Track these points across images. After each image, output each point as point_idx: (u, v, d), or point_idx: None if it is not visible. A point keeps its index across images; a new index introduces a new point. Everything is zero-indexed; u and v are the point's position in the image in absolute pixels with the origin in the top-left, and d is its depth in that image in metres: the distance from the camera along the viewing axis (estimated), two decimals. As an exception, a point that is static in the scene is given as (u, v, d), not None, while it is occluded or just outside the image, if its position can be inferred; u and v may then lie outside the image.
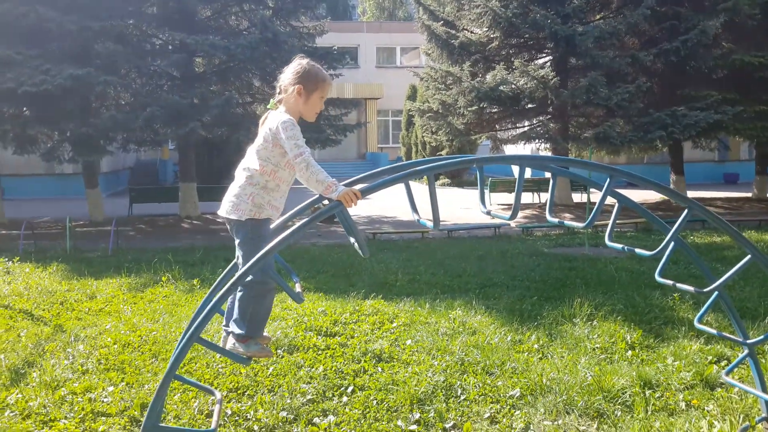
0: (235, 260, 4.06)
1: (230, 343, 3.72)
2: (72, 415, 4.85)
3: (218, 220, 18.89)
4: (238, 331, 3.65)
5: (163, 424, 4.01)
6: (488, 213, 4.11)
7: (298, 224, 3.46)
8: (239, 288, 3.54)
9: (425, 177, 3.63)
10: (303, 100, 3.61)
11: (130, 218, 19.49)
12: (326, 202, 3.55)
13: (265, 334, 3.87)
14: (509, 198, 21.21)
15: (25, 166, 24.26)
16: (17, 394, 5.20)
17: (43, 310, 7.99)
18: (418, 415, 4.87)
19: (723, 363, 5.74)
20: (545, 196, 21.81)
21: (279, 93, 3.69)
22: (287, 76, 3.66)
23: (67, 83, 14.53)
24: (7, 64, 14.60)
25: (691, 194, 21.34)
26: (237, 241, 3.66)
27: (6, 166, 20.29)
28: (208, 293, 4.08)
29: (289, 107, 3.62)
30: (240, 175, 3.63)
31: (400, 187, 3.87)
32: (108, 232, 13.84)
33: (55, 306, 8.17)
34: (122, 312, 7.79)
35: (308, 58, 3.74)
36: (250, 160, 3.61)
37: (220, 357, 5.81)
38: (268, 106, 3.70)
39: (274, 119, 3.52)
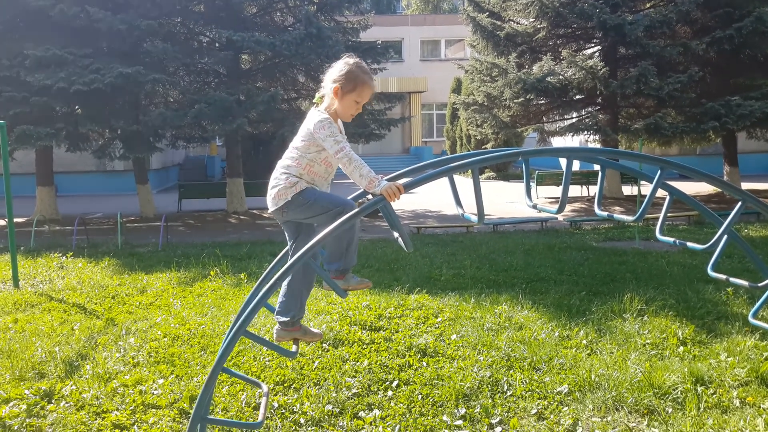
0: (281, 254, 4.09)
1: (275, 332, 3.79)
2: (123, 406, 4.96)
3: (264, 215, 19.11)
4: (333, 267, 3.67)
5: (211, 416, 4.07)
6: (534, 206, 4.04)
7: (343, 217, 3.46)
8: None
9: (469, 170, 3.58)
10: (338, 100, 3.61)
11: (180, 214, 19.84)
12: (370, 196, 3.55)
13: (316, 330, 3.91)
14: (556, 191, 20.91)
15: (78, 164, 24.88)
16: (71, 385, 5.34)
17: (96, 304, 8.19)
18: (464, 410, 4.84)
19: (780, 360, 5.57)
20: (594, 189, 21.47)
21: (323, 87, 3.71)
22: (330, 72, 3.69)
23: (117, 81, 14.83)
24: (60, 64, 14.98)
25: (745, 186, 20.72)
26: (303, 220, 3.72)
27: (59, 163, 20.81)
28: (254, 287, 4.11)
29: (327, 105, 3.65)
30: (278, 167, 3.70)
31: (444, 181, 3.83)
32: (158, 227, 14.11)
33: (107, 300, 8.36)
34: (172, 306, 7.92)
35: (356, 59, 3.73)
36: (288, 153, 3.68)
37: (267, 350, 5.87)
38: (314, 100, 3.74)
39: (311, 118, 3.56)
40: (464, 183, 3.44)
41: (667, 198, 3.88)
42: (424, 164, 3.95)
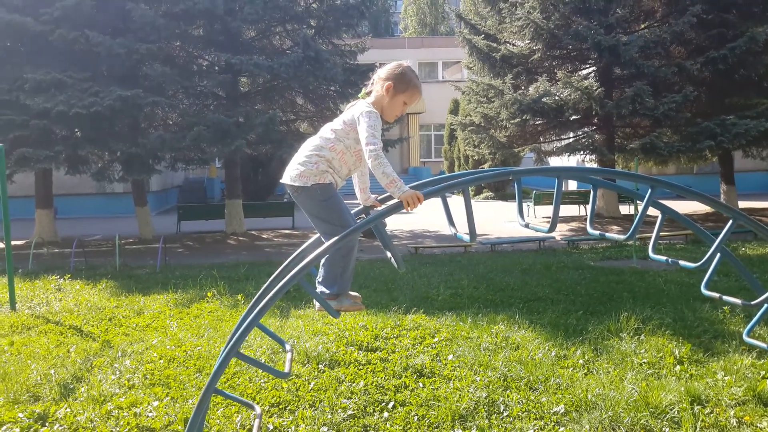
0: (275, 275, 4.10)
1: (317, 304, 3.72)
2: (117, 429, 4.94)
3: (263, 236, 19.11)
4: (328, 291, 3.70)
5: (204, 439, 4.05)
6: (526, 226, 4.06)
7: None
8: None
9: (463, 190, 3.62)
10: (389, 98, 3.68)
11: (178, 235, 19.85)
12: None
13: (353, 293, 3.89)
14: (554, 211, 20.90)
15: (77, 186, 24.96)
16: (66, 408, 5.31)
17: (92, 326, 8.18)
18: (460, 431, 4.82)
19: (777, 378, 5.55)
20: (591, 209, 21.47)
21: (371, 84, 3.78)
22: (384, 70, 3.75)
23: (116, 104, 14.93)
24: (59, 88, 15.08)
25: (742, 204, 20.77)
26: (308, 212, 3.71)
27: (59, 186, 20.89)
28: (248, 308, 4.12)
29: (375, 100, 3.71)
30: (309, 143, 3.70)
31: (440, 202, 3.87)
32: (156, 249, 14.11)
33: (104, 322, 8.35)
34: (168, 327, 7.91)
35: (409, 64, 3.81)
36: (324, 134, 3.69)
37: (263, 372, 5.85)
38: (359, 95, 3.81)
39: (360, 107, 3.60)
40: (460, 203, 3.47)
41: (660, 217, 3.90)
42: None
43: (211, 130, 16.06)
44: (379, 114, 3.64)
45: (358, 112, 3.57)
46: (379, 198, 3.92)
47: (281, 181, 3.73)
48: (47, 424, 5.07)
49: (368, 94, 3.76)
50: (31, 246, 14.16)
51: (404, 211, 3.49)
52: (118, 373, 6.19)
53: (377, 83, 3.73)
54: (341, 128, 3.63)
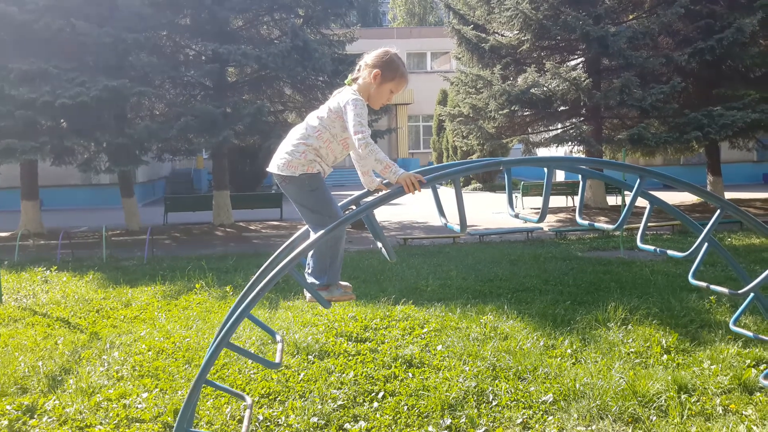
0: (264, 266, 4.09)
1: (308, 295, 3.71)
2: (107, 421, 4.93)
3: (251, 227, 19.07)
4: (318, 282, 3.68)
5: (194, 429, 4.05)
6: (516, 216, 4.07)
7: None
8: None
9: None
10: (375, 86, 3.64)
11: (165, 227, 19.75)
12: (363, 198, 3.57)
13: (344, 283, 3.87)
14: (542, 201, 20.98)
15: (63, 177, 24.74)
16: (54, 400, 5.29)
17: (80, 318, 8.14)
18: (450, 420, 4.84)
19: (762, 366, 5.60)
20: (579, 200, 21.58)
21: (358, 70, 3.72)
22: (371, 57, 3.70)
23: (102, 95, 14.80)
24: (44, 78, 14.93)
25: (728, 195, 20.91)
26: (295, 201, 3.67)
27: (45, 177, 20.69)
28: (238, 299, 4.11)
29: (361, 88, 3.65)
30: (296, 132, 3.65)
31: (429, 194, 3.85)
32: (143, 240, 14.03)
33: (92, 314, 8.31)
34: (157, 319, 7.89)
35: (396, 51, 3.76)
36: (310, 122, 3.63)
37: (252, 362, 5.85)
38: (345, 81, 3.74)
39: (346, 95, 3.55)
40: (449, 194, 3.45)
41: (648, 207, 3.92)
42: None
43: (199, 120, 15.98)
44: (365, 101, 3.61)
45: (343, 100, 3.52)
46: (384, 182, 3.82)
47: (268, 169, 3.69)
48: (36, 416, 5.05)
49: (354, 80, 3.70)
50: (17, 238, 14.06)
51: (406, 195, 3.46)
52: (106, 364, 6.17)
53: (364, 70, 3.67)
54: (327, 116, 3.58)
